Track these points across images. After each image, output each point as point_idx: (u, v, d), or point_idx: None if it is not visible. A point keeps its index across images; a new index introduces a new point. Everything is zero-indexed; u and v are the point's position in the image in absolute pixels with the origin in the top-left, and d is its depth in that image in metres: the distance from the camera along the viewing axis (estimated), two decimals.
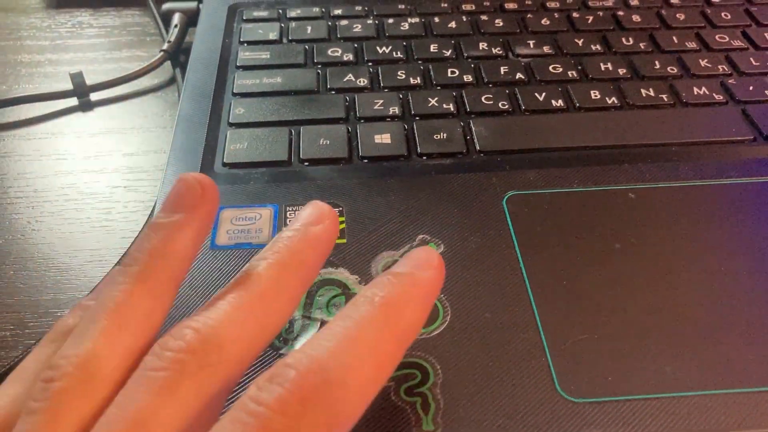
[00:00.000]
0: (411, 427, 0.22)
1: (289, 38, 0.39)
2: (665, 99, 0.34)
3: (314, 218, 0.22)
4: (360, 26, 0.40)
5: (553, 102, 0.34)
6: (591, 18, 0.40)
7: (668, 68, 0.36)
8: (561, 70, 0.36)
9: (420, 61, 0.37)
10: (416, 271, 0.20)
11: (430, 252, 0.21)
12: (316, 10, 0.41)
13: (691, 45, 0.38)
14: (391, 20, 0.40)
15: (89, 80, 0.40)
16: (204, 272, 0.26)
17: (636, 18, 0.40)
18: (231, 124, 0.33)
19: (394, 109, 0.34)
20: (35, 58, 0.43)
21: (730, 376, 0.23)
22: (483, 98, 0.34)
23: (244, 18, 0.41)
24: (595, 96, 0.34)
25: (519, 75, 0.36)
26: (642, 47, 0.38)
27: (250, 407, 0.16)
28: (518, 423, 0.22)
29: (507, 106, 0.34)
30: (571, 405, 0.22)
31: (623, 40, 0.38)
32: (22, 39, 0.45)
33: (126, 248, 0.31)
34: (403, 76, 0.36)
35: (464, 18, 0.40)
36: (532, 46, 0.38)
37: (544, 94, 0.35)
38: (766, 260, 0.27)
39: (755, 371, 0.23)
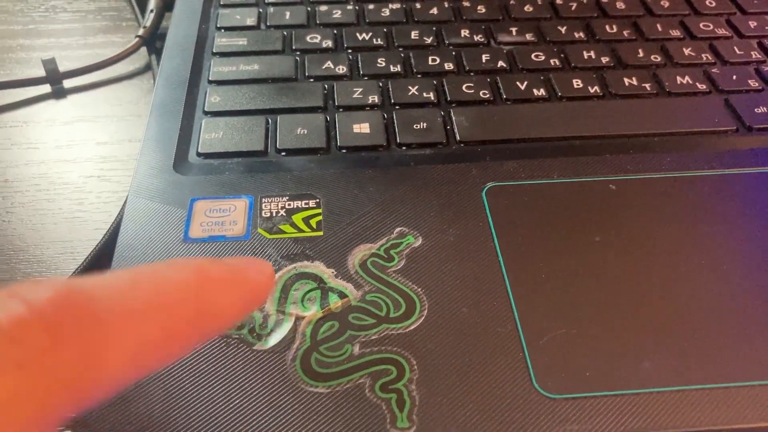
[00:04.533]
0: (386, 424, 0.21)
1: (267, 24, 0.38)
2: (648, 88, 0.34)
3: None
4: (340, 12, 0.39)
5: (535, 91, 0.34)
6: (575, 5, 0.39)
7: (651, 57, 0.36)
8: (543, 58, 0.36)
9: (400, 49, 0.37)
10: (249, 268, 0.18)
11: (264, 262, 0.20)
12: None
13: (675, 33, 0.37)
14: (371, 6, 0.39)
15: (62, 66, 0.39)
16: None
17: (620, 5, 0.39)
18: (206, 113, 0.33)
19: (374, 98, 0.33)
20: (6, 43, 0.42)
21: (710, 371, 0.23)
22: (464, 87, 0.34)
23: (222, 3, 0.40)
24: (578, 85, 0.34)
25: (501, 63, 0.35)
26: (626, 35, 0.37)
27: None
28: (494, 419, 0.21)
29: (488, 95, 0.33)
30: (548, 401, 0.22)
31: (607, 27, 0.38)
32: None
33: (98, 240, 0.30)
34: (383, 64, 0.35)
35: (446, 4, 0.39)
36: (514, 33, 0.37)
37: (525, 82, 0.34)
38: (747, 253, 0.26)
39: (735, 367, 0.23)
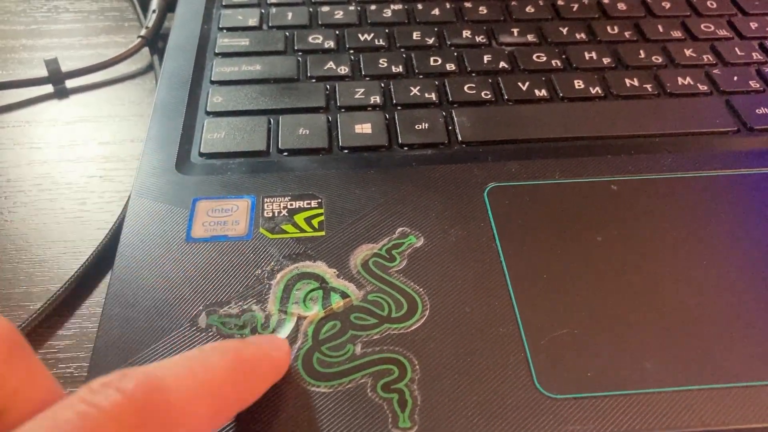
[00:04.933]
0: (388, 423, 0.21)
1: (269, 24, 0.38)
2: (649, 89, 0.34)
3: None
4: (342, 12, 0.39)
5: (537, 92, 0.34)
6: (576, 6, 0.39)
7: (653, 58, 0.36)
8: (545, 59, 0.36)
9: (402, 49, 0.37)
10: (270, 347, 0.21)
11: (281, 339, 0.23)
12: None
13: (676, 34, 0.38)
14: (373, 6, 0.39)
15: (65, 67, 0.39)
16: (179, 266, 0.26)
17: (621, 6, 0.39)
18: (208, 113, 0.33)
19: (376, 98, 0.33)
20: (9, 43, 0.42)
21: (712, 371, 0.23)
22: (465, 87, 0.34)
23: (224, 3, 0.40)
24: (579, 86, 0.34)
25: (502, 64, 0.35)
26: (627, 36, 0.37)
27: (78, 408, 0.15)
28: (496, 419, 0.22)
29: (490, 96, 0.33)
30: (549, 401, 0.22)
31: (608, 28, 0.38)
32: None
33: (101, 240, 0.30)
34: (385, 65, 0.35)
35: (448, 5, 0.39)
36: (515, 34, 0.37)
37: (527, 83, 0.34)
38: (749, 253, 0.26)
39: (737, 367, 0.23)
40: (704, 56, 0.36)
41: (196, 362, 0.18)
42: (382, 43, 0.37)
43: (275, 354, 0.21)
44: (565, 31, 0.38)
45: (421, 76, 0.35)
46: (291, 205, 0.28)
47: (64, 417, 0.15)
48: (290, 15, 0.39)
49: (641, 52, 0.36)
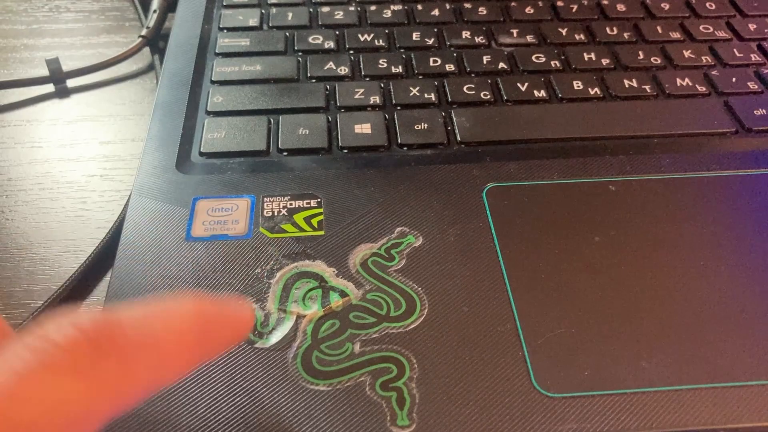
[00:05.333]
0: (386, 422, 0.21)
1: (270, 25, 0.38)
2: (648, 90, 0.34)
3: None
4: (342, 13, 0.39)
5: (536, 92, 0.34)
6: (575, 7, 0.40)
7: (652, 59, 0.36)
8: (544, 59, 0.36)
9: (402, 50, 0.37)
10: (234, 308, 0.20)
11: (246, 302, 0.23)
12: None
13: (675, 35, 0.38)
14: (373, 7, 0.39)
15: (66, 66, 0.39)
16: (179, 265, 0.26)
17: (620, 7, 0.40)
18: (209, 113, 0.33)
19: (375, 99, 0.33)
20: (10, 42, 0.43)
21: (709, 371, 0.23)
22: (465, 88, 0.34)
23: (224, 3, 0.40)
24: (578, 86, 0.34)
25: (502, 65, 0.36)
26: (626, 37, 0.38)
27: (32, 343, 0.15)
28: (494, 418, 0.22)
29: (489, 96, 0.34)
30: (547, 400, 0.22)
31: (607, 29, 0.38)
32: None
33: (101, 238, 0.30)
34: (385, 65, 0.36)
35: (447, 6, 0.40)
36: (515, 35, 0.38)
37: (526, 84, 0.34)
38: (746, 254, 0.27)
39: (734, 366, 0.23)
40: (703, 57, 0.36)
41: (155, 305, 0.18)
42: (381, 43, 0.37)
43: (239, 306, 0.20)
44: (564, 32, 0.38)
45: (420, 77, 0.35)
46: (291, 204, 0.28)
47: (16, 351, 0.15)
48: (290, 15, 0.39)
49: (640, 53, 0.36)
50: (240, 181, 0.29)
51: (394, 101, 0.33)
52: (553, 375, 0.23)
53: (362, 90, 0.34)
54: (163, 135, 0.32)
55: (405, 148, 0.31)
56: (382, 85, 0.34)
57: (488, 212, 0.28)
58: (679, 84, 0.34)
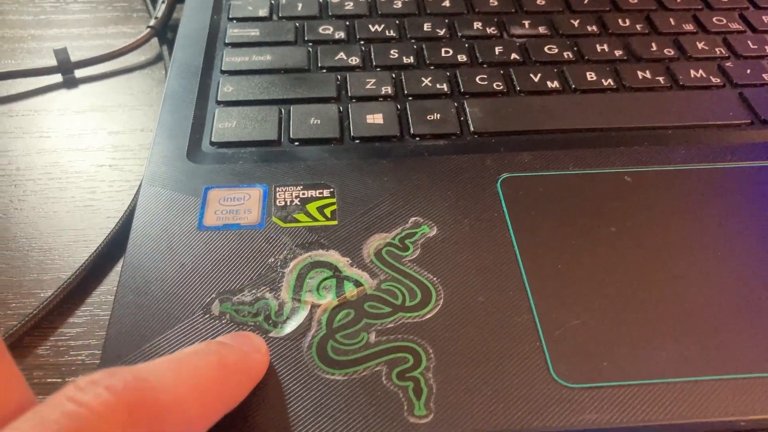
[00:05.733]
0: (403, 411, 0.21)
1: (280, 15, 0.38)
2: (662, 81, 0.34)
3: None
4: (352, 3, 0.39)
5: (549, 83, 0.33)
6: None
7: (665, 50, 0.36)
8: (556, 51, 0.36)
9: (413, 40, 0.36)
10: (251, 349, 0.22)
11: (259, 339, 0.23)
12: None
13: (689, 27, 0.37)
14: None
15: (74, 57, 0.39)
16: (192, 254, 0.26)
17: None
18: (219, 102, 0.33)
19: (387, 89, 0.33)
20: (18, 33, 0.42)
21: (727, 361, 0.23)
22: (477, 79, 0.34)
23: None
24: (591, 78, 0.34)
25: (514, 55, 0.35)
26: (639, 29, 0.37)
27: (66, 407, 0.15)
28: (512, 408, 0.21)
29: (502, 87, 0.33)
30: (565, 390, 0.22)
31: (620, 21, 0.38)
32: (4, 13, 0.44)
33: (111, 228, 0.30)
34: (396, 55, 0.35)
35: None
36: (527, 26, 0.37)
37: (539, 75, 0.34)
38: (763, 244, 0.26)
39: (752, 357, 0.23)
40: (716, 49, 0.36)
41: (181, 364, 0.18)
42: (392, 34, 0.37)
43: (256, 356, 0.21)
44: (576, 23, 0.37)
45: (432, 67, 0.35)
46: (303, 194, 0.28)
47: (51, 417, 0.15)
48: (300, 6, 0.39)
49: (653, 44, 0.36)
50: (252, 170, 0.29)
51: (406, 91, 0.33)
52: (572, 365, 0.22)
53: (374, 80, 0.34)
54: (173, 125, 0.31)
55: (417, 139, 0.31)
56: (394, 75, 0.34)
57: (503, 202, 0.27)
58: (693, 75, 0.34)
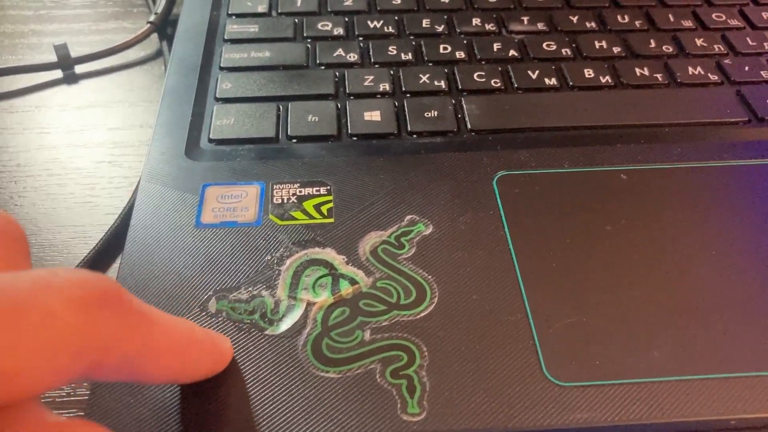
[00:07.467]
0: (396, 409, 0.21)
1: (279, 11, 0.38)
2: (660, 78, 0.34)
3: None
4: (351, 0, 0.39)
5: (546, 80, 0.34)
6: None
7: (663, 47, 0.36)
8: (555, 47, 0.36)
9: (412, 37, 0.36)
10: (218, 338, 0.22)
11: (223, 336, 0.23)
12: None
13: (687, 23, 0.37)
14: None
15: (74, 52, 0.39)
16: (189, 251, 0.26)
17: None
18: (218, 99, 0.33)
19: (385, 86, 0.33)
20: (18, 28, 0.42)
21: (719, 360, 0.23)
22: (475, 75, 0.34)
23: None
24: (589, 75, 0.34)
25: (512, 52, 0.35)
26: (637, 25, 0.37)
27: (41, 272, 0.15)
28: (504, 406, 0.22)
29: (499, 84, 0.33)
30: (558, 389, 0.22)
31: (618, 17, 0.38)
32: (4, 9, 0.44)
33: (110, 225, 0.30)
34: (394, 52, 0.35)
35: None
36: (525, 22, 0.37)
37: (537, 72, 0.34)
38: (758, 244, 0.26)
39: (745, 356, 0.23)
40: (715, 46, 0.36)
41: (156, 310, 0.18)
42: (391, 30, 0.37)
43: (223, 345, 0.22)
44: (575, 19, 0.37)
45: (430, 64, 0.35)
46: (300, 191, 0.28)
47: (27, 274, 0.15)
48: (299, 2, 0.39)
49: (652, 41, 0.36)
50: (249, 167, 0.29)
51: (403, 88, 0.33)
52: (564, 364, 0.23)
53: (372, 77, 0.34)
54: (172, 121, 0.32)
55: (415, 136, 0.31)
56: (392, 72, 0.34)
57: (499, 200, 0.28)
58: (691, 72, 0.34)
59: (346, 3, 0.38)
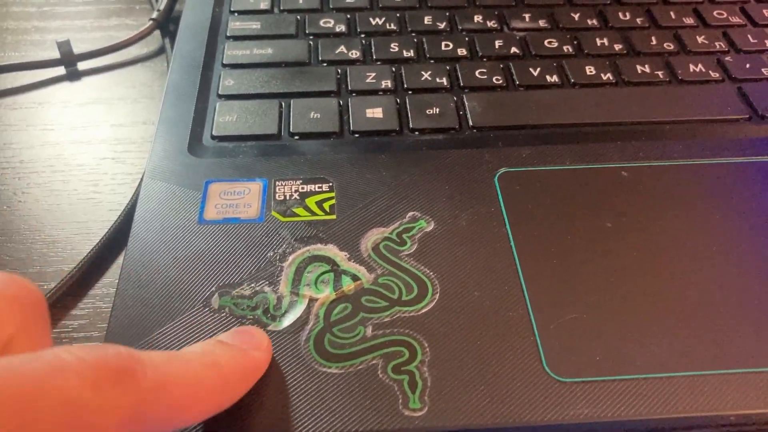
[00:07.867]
0: (398, 404, 0.22)
1: (281, 8, 0.38)
2: (661, 76, 0.34)
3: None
4: None
5: (548, 77, 0.34)
6: None
7: (665, 44, 0.36)
8: (556, 44, 0.36)
9: (414, 34, 0.37)
10: (251, 346, 0.22)
11: (261, 333, 0.23)
12: None
13: (689, 21, 0.37)
14: None
15: (77, 49, 0.39)
16: (192, 248, 0.26)
17: None
18: (220, 96, 0.33)
19: (387, 83, 0.33)
20: (21, 25, 0.43)
21: (720, 356, 0.23)
22: (477, 73, 0.34)
23: None
24: (590, 72, 0.34)
25: (514, 49, 0.35)
26: (639, 22, 0.37)
27: (59, 352, 0.16)
28: (505, 402, 0.22)
29: (501, 81, 0.33)
30: (558, 384, 0.22)
31: (620, 14, 0.38)
32: (7, 5, 0.44)
33: (113, 221, 0.30)
34: (396, 49, 0.35)
35: None
36: (527, 19, 0.37)
37: (538, 69, 0.34)
38: (758, 240, 0.27)
39: (745, 352, 0.23)
40: (716, 43, 0.36)
41: (174, 355, 0.19)
42: (393, 27, 0.37)
43: (255, 354, 0.22)
44: (576, 16, 0.37)
45: (432, 61, 0.35)
46: (302, 188, 0.28)
47: (45, 356, 0.15)
48: None
49: (653, 38, 0.36)
50: (252, 164, 0.29)
51: (405, 85, 0.33)
52: (565, 360, 0.23)
53: (374, 74, 0.34)
54: (174, 118, 0.32)
55: (417, 133, 0.31)
56: (394, 69, 0.34)
57: (500, 197, 0.28)
58: (692, 70, 0.34)
59: (348, 0, 0.39)
